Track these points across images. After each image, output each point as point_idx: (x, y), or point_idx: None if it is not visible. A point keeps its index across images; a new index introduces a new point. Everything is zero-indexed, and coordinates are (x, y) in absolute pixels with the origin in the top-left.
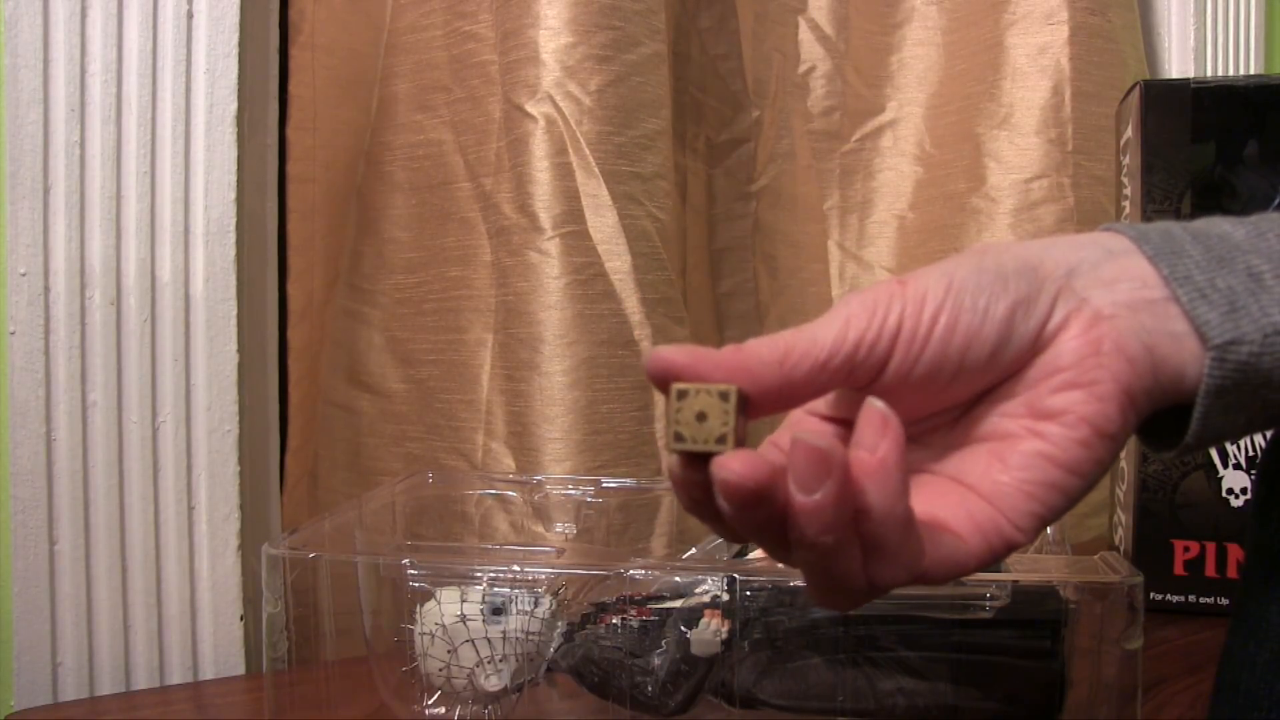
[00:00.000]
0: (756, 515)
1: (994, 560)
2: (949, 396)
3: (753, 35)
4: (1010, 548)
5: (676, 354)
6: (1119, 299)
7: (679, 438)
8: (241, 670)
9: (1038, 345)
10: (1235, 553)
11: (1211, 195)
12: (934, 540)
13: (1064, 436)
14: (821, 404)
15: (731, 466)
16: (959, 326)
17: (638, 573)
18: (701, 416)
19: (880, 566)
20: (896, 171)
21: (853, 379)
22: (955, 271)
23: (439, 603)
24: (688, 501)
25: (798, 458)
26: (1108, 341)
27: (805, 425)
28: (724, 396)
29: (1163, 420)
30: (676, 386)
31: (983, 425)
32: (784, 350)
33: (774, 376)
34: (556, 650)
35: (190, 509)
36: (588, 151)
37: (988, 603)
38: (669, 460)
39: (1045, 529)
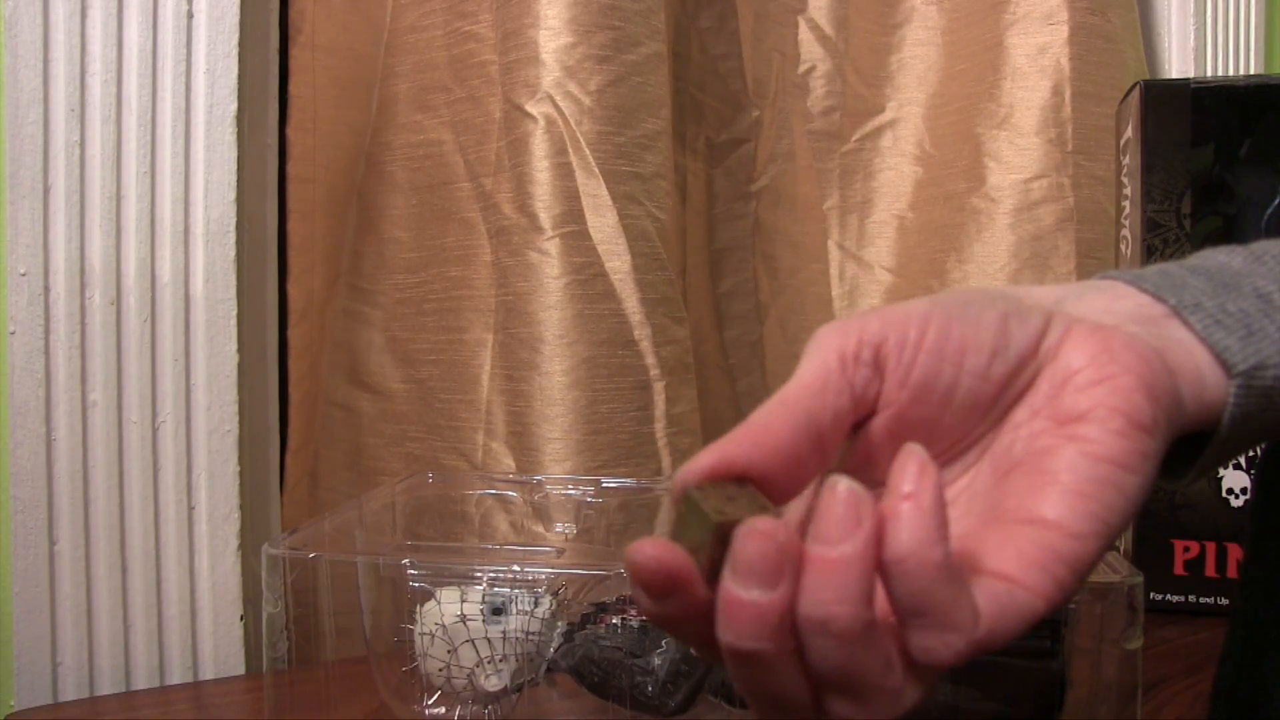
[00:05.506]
0: (771, 595)
1: (1065, 594)
2: (951, 421)
3: (753, 35)
4: (1076, 566)
5: (698, 463)
6: (1118, 316)
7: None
8: (241, 670)
9: (1039, 360)
10: (1235, 553)
11: (1211, 195)
12: (986, 594)
13: (1100, 430)
14: None
15: (756, 525)
16: (952, 332)
17: None
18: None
19: (929, 636)
20: (896, 171)
21: (858, 406)
22: (936, 295)
23: (439, 603)
24: (660, 610)
25: (829, 503)
26: (1116, 340)
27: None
28: (739, 489)
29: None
30: (693, 488)
31: (1009, 456)
32: (778, 401)
33: (783, 428)
34: (556, 650)
35: (190, 509)
36: (588, 151)
37: None
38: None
39: (1110, 537)
